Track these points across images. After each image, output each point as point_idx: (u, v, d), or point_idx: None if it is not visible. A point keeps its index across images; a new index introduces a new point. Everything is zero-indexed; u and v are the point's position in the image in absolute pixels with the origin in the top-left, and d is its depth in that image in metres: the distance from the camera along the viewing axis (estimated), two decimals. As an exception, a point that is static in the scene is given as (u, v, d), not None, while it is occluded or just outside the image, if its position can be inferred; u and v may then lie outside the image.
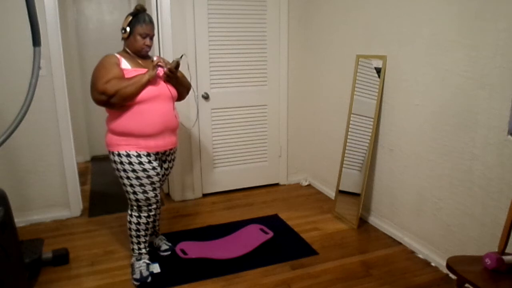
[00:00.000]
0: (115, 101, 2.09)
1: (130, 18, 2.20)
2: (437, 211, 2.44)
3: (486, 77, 2.04)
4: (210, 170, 3.60)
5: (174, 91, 2.31)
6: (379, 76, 2.79)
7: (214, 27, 3.33)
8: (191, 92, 2.60)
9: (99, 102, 2.13)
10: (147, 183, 2.23)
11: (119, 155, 2.20)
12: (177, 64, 2.22)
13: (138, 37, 2.20)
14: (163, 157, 2.39)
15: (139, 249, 2.39)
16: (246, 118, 3.62)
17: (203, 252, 2.55)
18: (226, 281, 2.33)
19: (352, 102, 3.07)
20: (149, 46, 2.26)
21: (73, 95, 4.36)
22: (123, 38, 2.26)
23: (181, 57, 2.25)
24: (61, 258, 2.51)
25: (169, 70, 2.21)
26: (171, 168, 2.50)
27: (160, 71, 2.23)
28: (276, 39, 3.55)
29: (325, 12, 3.38)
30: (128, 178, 2.21)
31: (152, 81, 2.18)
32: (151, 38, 2.25)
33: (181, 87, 2.39)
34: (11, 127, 1.95)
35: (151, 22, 2.22)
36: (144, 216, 2.31)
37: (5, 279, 1.75)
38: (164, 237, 2.71)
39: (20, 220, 3.00)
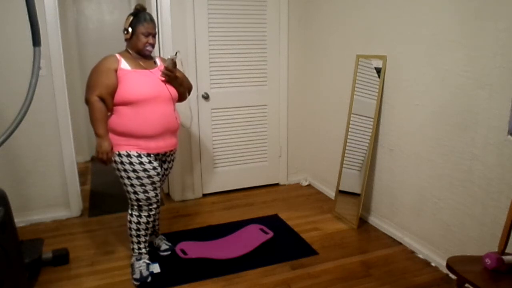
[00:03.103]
0: (88, 108, 2.20)
1: (131, 18, 2.21)
2: (437, 211, 2.44)
3: (486, 77, 2.04)
4: (210, 170, 3.60)
5: (174, 92, 2.31)
6: (379, 76, 2.79)
7: (214, 27, 3.33)
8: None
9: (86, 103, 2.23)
10: (147, 183, 2.23)
11: (119, 155, 2.20)
12: (174, 63, 2.22)
13: (141, 36, 2.21)
14: (163, 157, 2.40)
15: (139, 248, 2.39)
16: (246, 118, 3.62)
17: (203, 252, 2.55)
18: (226, 281, 2.33)
19: (352, 102, 3.07)
20: (152, 45, 2.26)
21: (73, 95, 4.36)
22: (126, 39, 2.27)
23: (175, 54, 2.24)
24: (61, 258, 2.51)
25: (166, 69, 2.21)
26: (170, 168, 2.51)
27: (160, 69, 2.23)
28: (276, 39, 3.55)
29: (325, 12, 3.38)
30: (128, 178, 2.21)
31: (151, 81, 2.21)
32: (154, 36, 2.26)
33: (182, 88, 2.39)
34: (11, 127, 1.95)
35: (152, 20, 2.23)
36: (145, 216, 2.31)
37: (5, 279, 1.75)
38: (164, 237, 2.71)
39: (20, 220, 3.00)
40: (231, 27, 3.37)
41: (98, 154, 2.17)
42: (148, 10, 3.33)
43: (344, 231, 2.94)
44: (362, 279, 2.34)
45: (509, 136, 1.96)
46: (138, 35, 2.21)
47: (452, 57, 2.22)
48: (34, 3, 1.96)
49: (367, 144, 2.92)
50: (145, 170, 2.21)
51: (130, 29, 2.21)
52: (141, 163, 2.20)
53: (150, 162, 2.23)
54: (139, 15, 2.20)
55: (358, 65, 3.00)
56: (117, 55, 2.24)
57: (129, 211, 2.34)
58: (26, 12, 1.95)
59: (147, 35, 2.22)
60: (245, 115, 3.61)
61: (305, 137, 3.88)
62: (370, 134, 2.88)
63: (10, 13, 2.76)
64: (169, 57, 2.25)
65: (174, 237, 2.82)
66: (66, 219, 3.19)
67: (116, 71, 2.17)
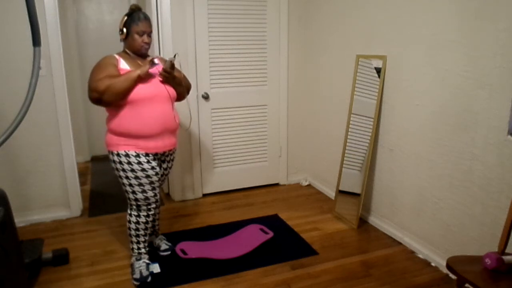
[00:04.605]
0: (107, 98, 2.09)
1: (125, 18, 2.21)
2: (437, 211, 2.44)
3: (486, 77, 2.04)
4: (210, 170, 3.60)
5: (172, 92, 2.31)
6: (379, 76, 2.79)
7: (214, 27, 3.33)
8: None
9: (93, 100, 2.14)
10: (146, 183, 2.23)
11: (118, 155, 2.20)
12: (171, 64, 2.21)
13: (136, 36, 2.20)
14: (162, 157, 2.39)
15: (139, 248, 2.39)
16: (246, 118, 3.62)
17: (203, 252, 2.55)
18: (226, 281, 2.33)
19: (352, 102, 3.07)
20: (148, 44, 2.25)
21: (73, 95, 4.36)
22: (121, 40, 2.27)
23: (174, 56, 2.24)
24: (61, 258, 2.51)
25: (164, 70, 2.21)
26: (170, 168, 2.51)
27: (158, 68, 2.22)
28: (276, 39, 3.55)
29: (325, 12, 3.38)
30: (127, 178, 2.21)
31: (149, 81, 2.19)
32: (149, 35, 2.25)
33: (180, 87, 2.39)
34: (11, 127, 1.95)
35: (146, 18, 2.22)
36: (144, 216, 2.31)
37: (5, 279, 1.75)
38: (164, 237, 2.71)
39: (20, 220, 3.00)
40: (231, 27, 3.37)
41: (145, 69, 2.12)
42: (148, 10, 3.34)
43: (344, 231, 2.94)
44: (362, 279, 2.33)
45: (509, 136, 1.96)
46: (133, 35, 2.20)
47: (452, 57, 2.22)
48: (34, 3, 1.96)
49: (367, 144, 2.91)
50: (143, 170, 2.21)
51: (124, 30, 2.21)
52: (139, 163, 2.20)
53: (148, 162, 2.23)
54: (133, 15, 2.20)
55: (358, 65, 3.00)
56: (116, 55, 2.24)
57: (128, 211, 2.34)
58: (26, 12, 1.95)
59: (142, 34, 2.21)
60: (245, 115, 3.61)
61: (305, 137, 3.88)
62: (370, 134, 2.88)
63: (10, 13, 2.76)
64: (167, 59, 2.25)
65: (174, 237, 2.82)
66: (66, 219, 3.19)
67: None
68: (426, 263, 2.50)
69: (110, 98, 2.09)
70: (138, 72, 2.12)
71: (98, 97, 2.11)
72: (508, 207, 1.87)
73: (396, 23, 2.61)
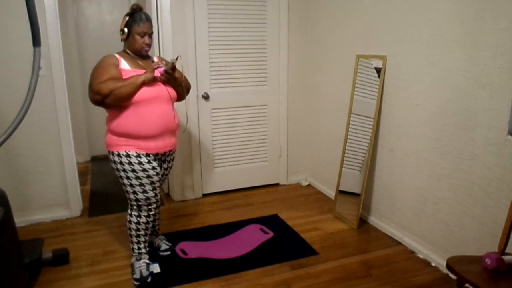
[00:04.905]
0: (110, 101, 2.09)
1: (127, 18, 2.20)
2: (437, 211, 2.44)
3: (486, 77, 2.04)
4: (210, 170, 3.60)
5: (173, 93, 2.31)
6: (379, 76, 2.79)
7: (214, 27, 3.33)
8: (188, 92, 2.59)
9: (94, 102, 2.13)
10: (146, 183, 2.23)
11: (118, 155, 2.20)
12: (173, 66, 2.21)
13: (137, 37, 2.20)
14: (163, 157, 2.39)
15: (139, 248, 2.39)
16: (246, 118, 3.62)
17: (203, 252, 2.55)
18: (226, 281, 2.33)
19: (352, 102, 3.07)
20: (149, 45, 2.25)
21: (73, 95, 4.36)
22: (122, 40, 2.26)
23: (176, 58, 2.24)
24: (61, 258, 2.51)
25: (165, 71, 2.21)
26: (170, 168, 2.51)
27: (159, 71, 2.23)
28: (276, 39, 3.55)
29: (325, 12, 3.38)
30: (128, 178, 2.21)
31: (150, 82, 2.18)
32: (150, 36, 2.24)
33: (180, 88, 2.39)
34: (11, 127, 1.95)
35: (148, 19, 2.21)
36: (144, 216, 2.31)
37: (5, 279, 1.75)
38: (164, 237, 2.71)
39: (20, 220, 3.00)
40: (231, 27, 3.37)
41: (149, 76, 2.14)
42: (148, 10, 3.34)
43: (344, 231, 2.94)
44: (362, 279, 2.34)
45: (509, 136, 1.96)
46: (134, 36, 2.20)
47: (452, 57, 2.22)
48: (34, 3, 1.96)
49: (367, 144, 2.92)
50: (144, 170, 2.21)
51: (126, 30, 2.20)
52: (140, 163, 2.20)
53: (149, 162, 2.23)
54: (135, 15, 2.19)
55: (358, 65, 3.00)
56: (117, 55, 2.24)
57: (129, 211, 2.34)
58: (26, 12, 1.95)
59: (143, 35, 2.20)
60: (245, 115, 3.61)
61: (305, 137, 3.88)
62: (370, 134, 2.88)
63: (10, 13, 2.76)
64: (169, 60, 2.25)
65: (174, 237, 2.82)
66: (66, 219, 3.19)
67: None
68: (426, 263, 2.50)
69: (113, 102, 2.10)
70: (143, 78, 2.12)
71: (100, 100, 2.11)
72: (508, 207, 1.87)
73: (396, 23, 2.61)
